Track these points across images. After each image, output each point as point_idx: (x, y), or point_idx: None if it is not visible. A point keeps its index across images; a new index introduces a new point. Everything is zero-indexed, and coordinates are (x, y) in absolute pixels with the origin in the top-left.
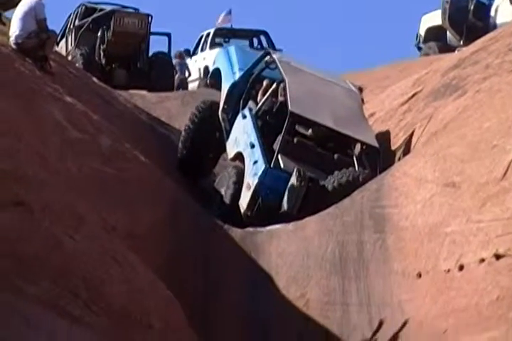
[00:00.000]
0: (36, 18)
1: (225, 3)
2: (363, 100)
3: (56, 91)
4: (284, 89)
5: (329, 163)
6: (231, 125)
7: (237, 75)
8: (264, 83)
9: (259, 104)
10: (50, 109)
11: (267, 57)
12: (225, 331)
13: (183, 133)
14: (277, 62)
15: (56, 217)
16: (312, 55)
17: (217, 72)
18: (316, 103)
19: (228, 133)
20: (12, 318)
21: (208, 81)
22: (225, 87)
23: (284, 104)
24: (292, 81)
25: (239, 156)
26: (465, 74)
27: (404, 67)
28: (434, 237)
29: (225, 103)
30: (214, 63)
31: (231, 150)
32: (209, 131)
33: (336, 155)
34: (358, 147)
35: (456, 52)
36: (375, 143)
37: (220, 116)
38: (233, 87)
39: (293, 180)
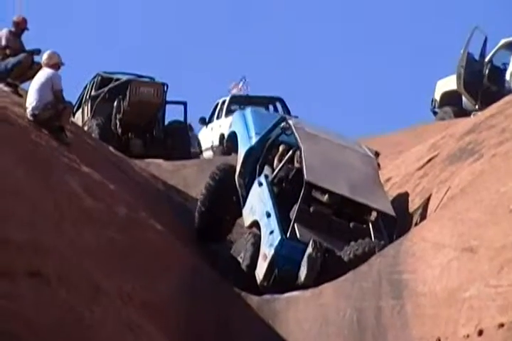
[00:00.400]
0: (53, 89)
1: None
2: (379, 165)
3: (73, 161)
4: (300, 156)
5: (345, 231)
6: (247, 191)
7: (254, 140)
8: (281, 148)
9: (275, 171)
10: (67, 179)
11: (283, 123)
12: None
13: (199, 200)
14: (293, 129)
15: (73, 287)
16: (327, 120)
17: (233, 135)
18: (332, 171)
19: (245, 199)
20: None
21: (225, 144)
22: (242, 151)
23: (300, 171)
24: (308, 148)
25: (255, 224)
26: (481, 139)
27: (420, 131)
28: (452, 302)
29: (241, 167)
30: (230, 126)
31: (247, 218)
32: (225, 194)
33: (352, 224)
34: (374, 214)
35: (471, 116)
36: (392, 212)
37: (236, 181)
38: (250, 151)
39: (309, 251)
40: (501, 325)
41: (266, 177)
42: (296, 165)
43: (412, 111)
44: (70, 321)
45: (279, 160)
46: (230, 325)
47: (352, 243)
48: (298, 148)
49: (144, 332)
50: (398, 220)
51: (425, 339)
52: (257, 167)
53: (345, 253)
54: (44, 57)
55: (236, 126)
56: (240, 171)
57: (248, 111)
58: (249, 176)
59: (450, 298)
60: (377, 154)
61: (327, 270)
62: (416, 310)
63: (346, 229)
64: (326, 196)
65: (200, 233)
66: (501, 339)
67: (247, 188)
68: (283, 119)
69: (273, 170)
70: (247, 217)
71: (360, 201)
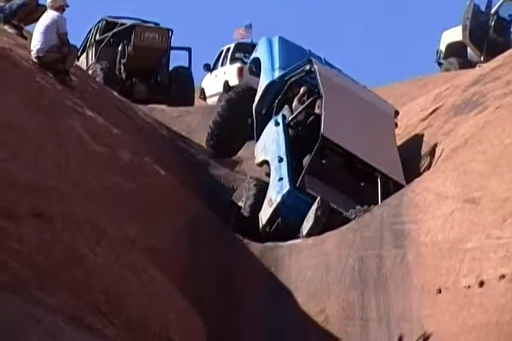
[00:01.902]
0: (58, 32)
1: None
2: (396, 124)
3: (77, 105)
4: (320, 106)
5: (354, 190)
6: (263, 123)
7: (277, 73)
8: (302, 90)
9: (294, 114)
10: (72, 123)
11: (308, 66)
12: None
13: (216, 114)
14: (317, 75)
15: (77, 229)
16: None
17: (256, 60)
18: (350, 128)
19: (259, 132)
20: (33, 328)
21: (248, 68)
22: (263, 83)
23: (319, 118)
24: (329, 99)
25: (265, 163)
26: (486, 90)
27: (424, 82)
28: (454, 253)
29: (260, 99)
30: (255, 51)
31: (259, 156)
32: (242, 110)
33: (362, 183)
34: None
35: (476, 68)
36: (402, 180)
37: (253, 111)
38: (271, 85)
39: (314, 208)
40: (502, 276)
41: (283, 117)
42: (317, 110)
43: (417, 62)
44: (74, 263)
45: (299, 102)
46: (232, 271)
47: (358, 206)
48: (320, 96)
49: (147, 276)
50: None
51: (426, 288)
52: (276, 102)
53: (350, 215)
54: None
55: (261, 53)
56: (258, 102)
57: (276, 39)
58: (267, 108)
59: (452, 249)
60: (396, 113)
61: (331, 227)
62: (417, 260)
63: (355, 188)
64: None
65: (210, 145)
66: (502, 291)
67: (264, 121)
68: (309, 61)
69: (291, 109)
70: (259, 154)
71: (373, 165)
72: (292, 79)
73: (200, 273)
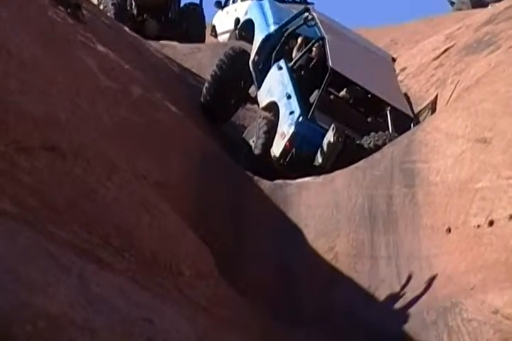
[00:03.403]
0: None
1: None
2: (394, 70)
3: (88, 39)
4: (324, 46)
5: (363, 125)
6: (262, 75)
7: (272, 28)
8: (300, 39)
9: (296, 58)
10: (83, 57)
11: (306, 14)
12: (253, 280)
13: (208, 78)
14: (317, 20)
15: (88, 163)
16: (344, 7)
17: (248, 23)
18: (354, 65)
19: (259, 83)
20: (43, 260)
21: (237, 31)
22: (259, 38)
23: (322, 60)
24: (331, 40)
25: (271, 106)
26: (498, 30)
27: (436, 22)
28: (464, 193)
29: (256, 54)
30: (246, 14)
31: (263, 100)
32: (235, 77)
33: (369, 118)
34: (389, 113)
35: (489, 7)
36: (410, 112)
37: (250, 66)
38: (267, 39)
39: (330, 135)
40: None
41: (286, 62)
42: (317, 55)
43: (429, 0)
44: (85, 197)
45: (299, 50)
46: (241, 207)
47: (372, 133)
48: (321, 38)
49: (158, 211)
50: (414, 123)
51: (435, 227)
52: (273, 55)
53: (365, 142)
54: None
55: (253, 13)
56: (254, 58)
57: (266, 1)
58: (264, 63)
59: (462, 188)
60: (393, 60)
61: (345, 156)
62: (427, 199)
63: (364, 123)
64: (344, 91)
65: (204, 112)
66: (511, 230)
67: (262, 74)
68: (306, 10)
69: (289, 62)
70: (264, 98)
71: (382, 97)
72: (289, 30)
73: (210, 210)
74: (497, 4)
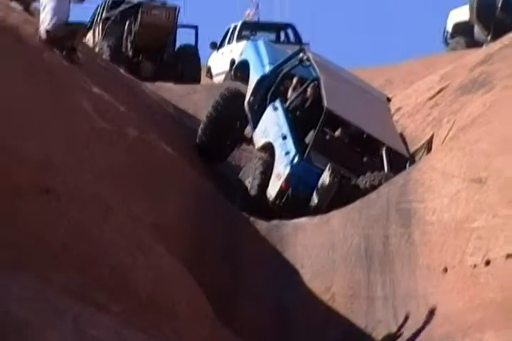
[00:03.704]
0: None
1: None
2: (389, 110)
3: (84, 82)
4: (319, 86)
5: (359, 165)
6: (257, 116)
7: (267, 68)
8: (295, 80)
9: (291, 99)
10: (79, 99)
11: (301, 54)
12: (249, 321)
13: (204, 119)
14: (312, 60)
15: (83, 205)
16: (339, 47)
17: (243, 64)
18: (350, 105)
19: (255, 123)
20: (39, 304)
21: (233, 72)
22: (254, 78)
23: (317, 101)
24: (326, 80)
25: (267, 146)
26: (492, 70)
27: (431, 62)
28: (460, 232)
29: (252, 94)
30: (241, 55)
31: (259, 141)
32: (230, 119)
33: (365, 158)
34: (385, 153)
35: (483, 47)
36: (405, 152)
37: (246, 107)
38: (262, 79)
39: (325, 175)
40: (509, 255)
41: (281, 102)
42: (312, 96)
43: (424, 41)
44: (81, 240)
45: (294, 90)
46: (238, 248)
47: (368, 173)
48: (316, 78)
49: (153, 252)
50: (409, 164)
51: (432, 267)
52: (269, 95)
53: (361, 182)
54: None
55: (248, 54)
56: (249, 98)
57: (261, 42)
58: (259, 103)
59: (458, 228)
60: (388, 99)
61: (341, 196)
62: (424, 239)
63: (359, 162)
64: (339, 131)
65: (199, 153)
66: (509, 270)
67: (257, 114)
68: (301, 50)
69: (284, 102)
70: (259, 139)
71: (377, 137)
72: (285, 71)
73: (206, 251)
74: (491, 44)
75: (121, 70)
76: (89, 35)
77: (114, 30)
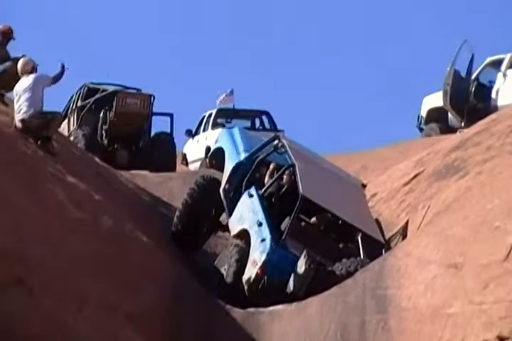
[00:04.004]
0: (46, 85)
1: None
2: (365, 195)
3: (58, 171)
4: (294, 173)
5: (335, 251)
6: (233, 203)
7: (242, 156)
8: (271, 166)
9: (266, 186)
10: (53, 189)
11: (276, 141)
12: None
13: (180, 206)
14: (287, 147)
15: (58, 297)
16: (314, 134)
17: (218, 151)
18: (325, 192)
19: (230, 211)
20: None
21: (208, 159)
22: (229, 166)
23: (292, 188)
24: (301, 166)
25: (243, 233)
26: (467, 156)
27: (406, 147)
28: (436, 319)
29: (227, 182)
30: (216, 142)
31: (235, 227)
32: (206, 206)
33: (341, 244)
34: (360, 239)
35: (457, 133)
36: (381, 239)
37: (221, 194)
38: (238, 166)
39: (301, 262)
40: None
41: (256, 189)
42: (287, 183)
43: (398, 127)
44: (54, 332)
45: (270, 177)
46: (214, 336)
47: (344, 260)
48: (291, 165)
49: None
50: (385, 249)
51: None
52: (244, 182)
53: (337, 268)
54: (20, 65)
55: (223, 142)
56: (225, 185)
57: (236, 129)
58: (235, 191)
59: (434, 314)
60: (363, 185)
61: (317, 283)
62: (400, 326)
63: (335, 249)
64: (314, 218)
65: (174, 241)
66: None
67: (233, 201)
68: (276, 137)
69: (260, 189)
70: (235, 226)
71: (353, 223)
72: (260, 158)
73: (182, 340)
74: (465, 130)
75: (96, 159)
76: (64, 123)
77: (89, 119)
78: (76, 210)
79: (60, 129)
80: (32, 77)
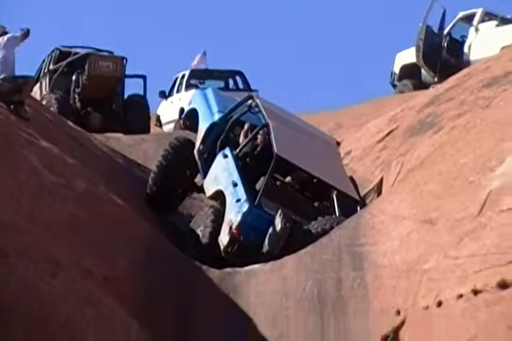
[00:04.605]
0: (16, 45)
1: (200, 44)
2: (339, 153)
3: (31, 136)
4: (268, 133)
5: (310, 210)
6: (208, 164)
7: (216, 116)
8: (246, 126)
9: (241, 146)
10: (26, 154)
11: (250, 101)
12: None
13: (154, 168)
14: (261, 107)
15: (32, 262)
16: (287, 93)
17: (192, 112)
18: (299, 150)
19: (205, 172)
20: None
21: (182, 121)
22: (203, 127)
23: (267, 147)
24: (276, 126)
25: (218, 194)
26: (440, 111)
27: (380, 104)
28: (412, 274)
29: (201, 143)
30: (190, 104)
31: (210, 188)
32: (180, 167)
33: (316, 203)
34: (335, 197)
35: (430, 89)
36: (356, 196)
37: (195, 155)
38: (211, 127)
39: (277, 221)
40: (460, 296)
41: (231, 149)
42: (262, 142)
43: (372, 84)
44: (29, 296)
45: (245, 137)
46: (189, 298)
47: (320, 218)
48: (265, 125)
49: (105, 306)
50: (360, 206)
51: (385, 310)
52: (218, 143)
53: (313, 227)
54: None
55: (197, 103)
56: (199, 146)
57: (209, 90)
58: (209, 151)
59: (410, 270)
60: (338, 143)
61: (293, 241)
62: (376, 282)
63: (310, 208)
64: (289, 177)
65: (149, 203)
66: (460, 310)
67: (207, 162)
68: (250, 97)
69: (234, 149)
70: (210, 187)
71: (328, 181)
72: (234, 118)
73: (158, 302)
74: (438, 86)
75: (70, 122)
76: (37, 87)
77: (61, 83)
78: (50, 174)
79: (32, 93)
80: (3, 37)
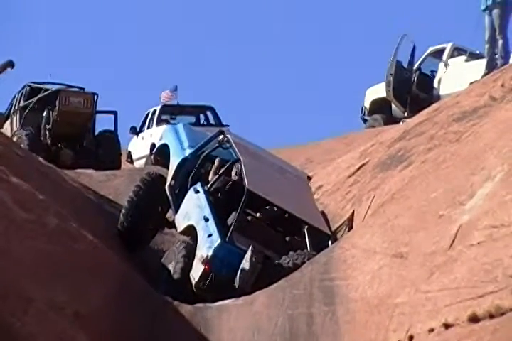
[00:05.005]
0: None
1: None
2: (310, 188)
3: (1, 172)
4: (240, 168)
5: (281, 244)
6: (179, 200)
7: (188, 152)
8: (217, 162)
9: (212, 181)
10: None
11: (221, 136)
12: None
13: (125, 204)
14: (232, 142)
15: (2, 298)
16: (258, 129)
17: (163, 148)
18: (271, 185)
19: (176, 207)
20: None
21: (153, 156)
22: (174, 162)
23: (238, 182)
24: (247, 161)
25: (189, 229)
26: (410, 146)
27: (350, 139)
28: (383, 309)
29: (172, 178)
30: (161, 139)
31: (181, 224)
32: (152, 203)
33: (288, 237)
34: (307, 231)
35: (401, 123)
36: (327, 230)
37: (167, 191)
38: (183, 162)
39: (248, 256)
40: (431, 330)
41: (202, 185)
42: (233, 177)
43: (343, 118)
44: (1, 333)
45: (215, 173)
46: (161, 334)
47: (291, 253)
48: (237, 160)
49: None
50: (332, 241)
51: None
52: (190, 178)
53: (284, 261)
54: None
55: (168, 138)
56: (170, 182)
57: (180, 125)
58: (180, 187)
59: (381, 304)
60: (309, 178)
61: (265, 277)
62: (347, 317)
63: (282, 242)
64: (260, 212)
65: (121, 239)
66: None
67: (179, 198)
68: (221, 132)
69: (206, 184)
70: (181, 222)
71: (300, 217)
72: (205, 153)
73: (130, 338)
74: (408, 120)
75: (40, 159)
76: (7, 124)
77: (32, 119)
78: (20, 210)
79: (3, 130)
80: None
